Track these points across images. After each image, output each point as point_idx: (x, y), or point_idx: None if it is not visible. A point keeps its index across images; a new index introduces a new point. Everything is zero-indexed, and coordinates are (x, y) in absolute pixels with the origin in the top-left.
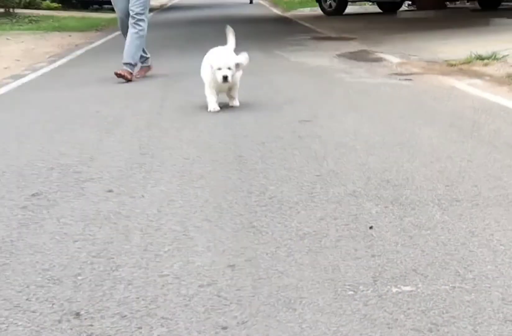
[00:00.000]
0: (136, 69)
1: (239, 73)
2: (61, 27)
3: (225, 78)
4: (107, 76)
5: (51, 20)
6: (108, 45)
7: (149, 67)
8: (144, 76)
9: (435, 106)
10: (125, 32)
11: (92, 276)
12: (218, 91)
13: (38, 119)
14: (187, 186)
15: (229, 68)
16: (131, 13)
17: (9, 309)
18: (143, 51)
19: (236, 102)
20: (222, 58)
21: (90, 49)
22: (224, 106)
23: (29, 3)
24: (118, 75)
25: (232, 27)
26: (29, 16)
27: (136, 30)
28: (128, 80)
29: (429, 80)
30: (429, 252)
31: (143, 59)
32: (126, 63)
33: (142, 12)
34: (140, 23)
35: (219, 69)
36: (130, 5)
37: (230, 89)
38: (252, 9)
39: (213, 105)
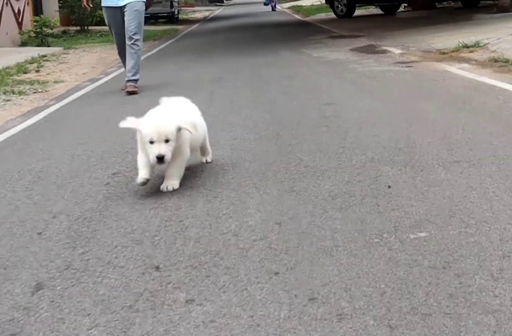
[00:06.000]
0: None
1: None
2: None
3: (159, 159)
4: (162, 76)
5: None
6: (164, 52)
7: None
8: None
9: (432, 86)
10: (122, 54)
11: (166, 237)
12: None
13: (113, 112)
14: (237, 161)
15: (167, 141)
16: (128, 34)
17: (102, 266)
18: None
19: (169, 182)
20: (157, 122)
21: (150, 55)
22: (254, 100)
23: (99, 21)
24: (130, 93)
25: (263, 31)
26: (100, 31)
27: (134, 50)
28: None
29: (426, 66)
30: (438, 204)
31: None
32: (131, 80)
33: (138, 32)
34: (137, 43)
35: (151, 142)
36: (126, 26)
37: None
38: (278, 16)
39: (141, 173)
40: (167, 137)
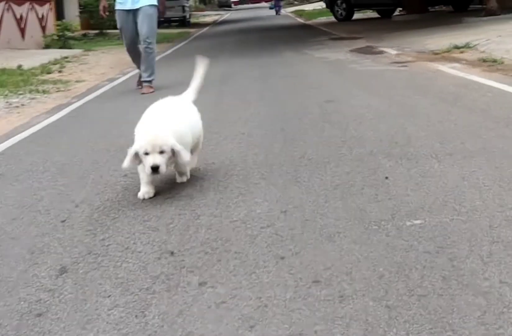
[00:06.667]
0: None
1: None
2: None
3: (154, 169)
4: (176, 75)
5: None
6: (177, 53)
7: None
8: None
9: (426, 84)
10: (132, 56)
11: (180, 224)
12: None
13: (130, 109)
14: (246, 153)
15: (161, 152)
16: (142, 38)
17: (121, 251)
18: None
19: (182, 178)
20: (152, 134)
21: (165, 55)
22: (264, 95)
23: (116, 25)
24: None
25: (269, 33)
26: (117, 35)
27: (148, 53)
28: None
29: (420, 65)
30: (432, 194)
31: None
32: (146, 81)
33: (151, 35)
34: (151, 46)
35: (146, 153)
36: (139, 30)
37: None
38: (282, 19)
39: (143, 190)
40: (161, 148)
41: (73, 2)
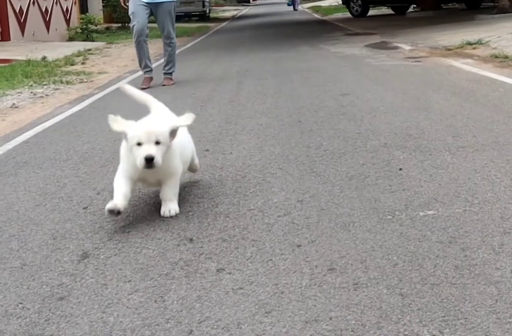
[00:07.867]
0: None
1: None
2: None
3: (148, 161)
4: (196, 68)
5: (154, 30)
6: (197, 46)
7: (151, 78)
8: (149, 87)
9: (439, 79)
10: (139, 51)
11: (199, 212)
12: (138, 181)
13: None
14: (263, 144)
15: (157, 143)
16: (165, 34)
17: (141, 237)
18: (150, 61)
19: (168, 206)
20: (147, 124)
21: (184, 49)
22: (277, 93)
23: None
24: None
25: (286, 28)
26: None
27: (171, 48)
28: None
29: (433, 61)
30: (444, 185)
31: (148, 69)
32: (167, 73)
33: (173, 31)
34: (173, 41)
35: (139, 144)
36: (160, 27)
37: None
38: (299, 15)
39: (113, 202)
40: (157, 138)
41: None
